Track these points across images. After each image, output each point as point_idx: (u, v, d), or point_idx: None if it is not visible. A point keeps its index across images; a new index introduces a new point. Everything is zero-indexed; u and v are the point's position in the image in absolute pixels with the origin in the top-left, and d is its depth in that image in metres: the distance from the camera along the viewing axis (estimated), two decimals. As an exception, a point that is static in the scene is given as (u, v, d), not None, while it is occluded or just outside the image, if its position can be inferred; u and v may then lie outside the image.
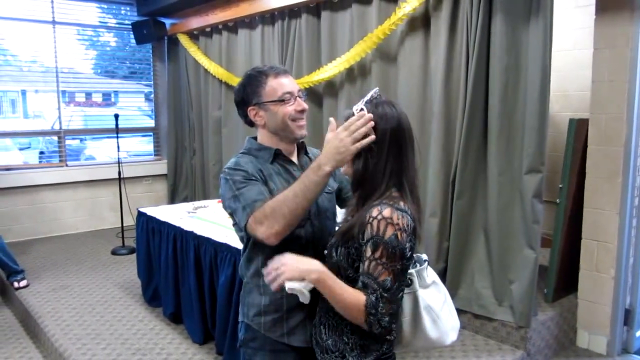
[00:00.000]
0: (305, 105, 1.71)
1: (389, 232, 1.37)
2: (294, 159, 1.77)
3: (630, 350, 3.35)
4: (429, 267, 1.58)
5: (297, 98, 1.70)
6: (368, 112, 1.43)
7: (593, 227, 3.29)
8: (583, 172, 3.32)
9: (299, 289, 1.43)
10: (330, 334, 1.51)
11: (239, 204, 1.60)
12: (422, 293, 1.54)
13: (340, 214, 1.75)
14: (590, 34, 3.26)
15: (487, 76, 3.15)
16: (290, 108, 1.68)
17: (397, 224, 1.38)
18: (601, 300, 3.30)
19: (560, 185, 3.37)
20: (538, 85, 2.91)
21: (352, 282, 1.44)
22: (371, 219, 1.39)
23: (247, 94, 1.71)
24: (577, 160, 3.35)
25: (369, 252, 1.38)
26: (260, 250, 1.68)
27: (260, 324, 1.73)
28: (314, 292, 1.45)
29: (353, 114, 1.45)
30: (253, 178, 1.64)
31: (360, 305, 1.37)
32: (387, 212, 1.38)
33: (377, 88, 1.53)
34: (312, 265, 1.42)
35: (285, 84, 1.69)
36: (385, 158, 1.44)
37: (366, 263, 1.38)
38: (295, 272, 1.41)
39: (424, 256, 1.58)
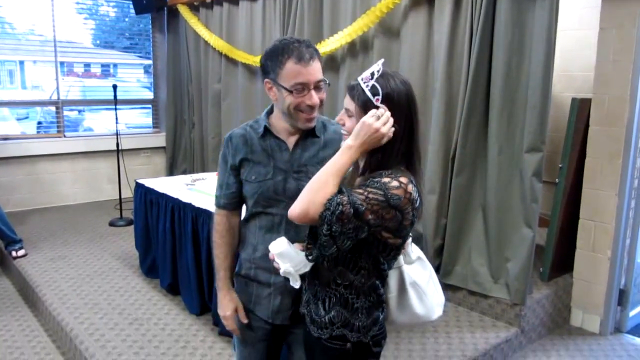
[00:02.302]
0: (317, 99, 1.57)
1: (397, 193, 1.35)
2: (292, 138, 1.68)
3: (623, 329, 3.39)
4: (412, 243, 1.58)
5: (312, 90, 1.56)
6: (378, 92, 1.39)
7: (591, 207, 3.30)
8: (583, 152, 3.31)
9: (294, 272, 1.47)
10: (331, 307, 1.49)
11: (217, 184, 1.80)
12: (407, 269, 1.54)
13: None
14: (597, 13, 3.22)
15: (491, 53, 3.12)
16: (298, 100, 1.56)
17: (408, 192, 1.36)
18: (596, 280, 3.33)
19: (560, 165, 3.37)
20: (541, 64, 2.88)
21: (353, 252, 1.42)
22: (385, 175, 1.38)
23: (267, 66, 1.61)
24: (578, 141, 3.34)
25: (362, 187, 1.36)
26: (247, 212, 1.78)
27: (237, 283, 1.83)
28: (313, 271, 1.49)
29: (359, 85, 1.42)
30: (226, 163, 1.74)
31: (329, 190, 1.34)
32: (403, 178, 1.38)
33: (383, 59, 1.49)
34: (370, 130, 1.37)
35: (302, 73, 1.54)
36: (400, 135, 1.41)
37: (356, 189, 1.36)
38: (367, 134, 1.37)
39: None
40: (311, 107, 1.58)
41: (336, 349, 1.49)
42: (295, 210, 1.36)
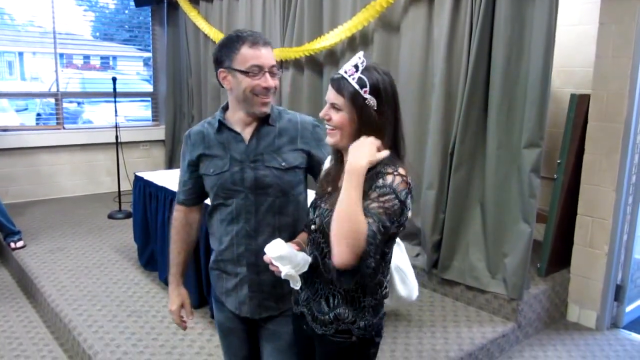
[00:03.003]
0: (272, 83, 1.62)
1: (403, 187, 1.38)
2: (248, 129, 1.68)
3: (620, 325, 3.41)
4: None
5: (267, 73, 1.61)
6: (366, 83, 1.40)
7: (589, 203, 3.31)
8: (582, 148, 3.31)
9: (294, 274, 1.44)
10: (336, 304, 1.48)
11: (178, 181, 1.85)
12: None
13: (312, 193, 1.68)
14: (596, 8, 3.22)
15: (490, 48, 3.12)
16: (255, 82, 1.60)
17: (409, 182, 1.39)
18: (593, 275, 3.34)
19: (559, 161, 3.37)
20: (541, 59, 2.88)
21: None
22: (387, 173, 1.38)
23: (221, 55, 1.65)
24: (576, 136, 3.34)
25: (374, 195, 1.35)
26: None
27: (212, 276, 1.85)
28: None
29: (344, 78, 1.42)
30: (185, 160, 1.78)
31: (364, 227, 1.29)
32: (402, 169, 1.39)
33: (362, 52, 1.50)
34: (365, 155, 1.36)
35: (258, 55, 1.60)
36: (390, 130, 1.44)
37: (369, 202, 1.34)
38: (371, 152, 1.36)
39: None
40: (266, 90, 1.62)
41: (342, 342, 1.50)
42: (343, 260, 1.29)
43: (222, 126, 1.70)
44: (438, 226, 3.44)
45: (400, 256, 1.62)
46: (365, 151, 1.36)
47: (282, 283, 1.59)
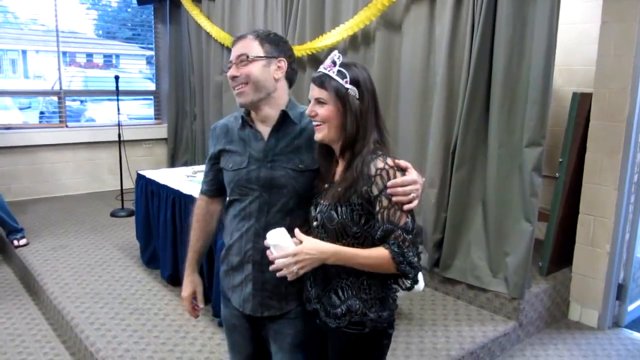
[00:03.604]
0: (234, 72, 1.64)
1: (399, 177, 1.45)
2: (266, 128, 1.70)
3: (621, 324, 3.41)
4: None
5: (232, 65, 1.65)
6: (346, 75, 1.48)
7: (591, 202, 3.30)
8: (584, 147, 3.31)
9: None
10: (345, 297, 1.53)
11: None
12: None
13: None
14: (598, 7, 3.21)
15: (492, 47, 3.11)
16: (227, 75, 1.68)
17: (400, 166, 1.47)
18: (595, 274, 3.34)
19: (560, 160, 3.37)
20: (543, 58, 2.88)
21: (357, 239, 1.49)
22: (379, 170, 1.44)
23: None
24: (578, 135, 3.34)
25: (385, 202, 1.44)
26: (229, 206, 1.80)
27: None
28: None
29: (326, 74, 1.50)
30: (209, 152, 1.83)
31: (387, 260, 1.43)
32: (390, 161, 1.46)
33: (337, 50, 1.58)
34: (323, 254, 1.46)
35: (232, 52, 1.68)
36: (372, 117, 1.52)
37: (385, 212, 1.44)
38: (314, 264, 1.47)
39: None
40: (232, 79, 1.65)
41: (355, 333, 1.53)
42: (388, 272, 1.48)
43: (245, 123, 1.73)
44: (439, 225, 3.44)
45: None
46: (312, 253, 1.46)
47: (285, 283, 1.61)
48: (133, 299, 3.38)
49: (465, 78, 3.20)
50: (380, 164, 1.45)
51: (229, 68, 1.66)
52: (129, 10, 6.69)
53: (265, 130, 1.70)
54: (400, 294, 1.62)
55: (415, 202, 1.46)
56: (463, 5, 3.23)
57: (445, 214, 3.41)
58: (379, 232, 1.45)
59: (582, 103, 3.30)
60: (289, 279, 1.50)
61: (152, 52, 6.81)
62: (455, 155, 3.29)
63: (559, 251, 3.47)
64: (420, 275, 1.67)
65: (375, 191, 1.44)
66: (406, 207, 1.44)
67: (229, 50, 5.33)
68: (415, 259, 1.45)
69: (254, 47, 1.65)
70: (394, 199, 1.43)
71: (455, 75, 3.29)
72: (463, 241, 3.38)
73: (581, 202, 3.36)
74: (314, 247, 1.46)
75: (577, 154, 3.36)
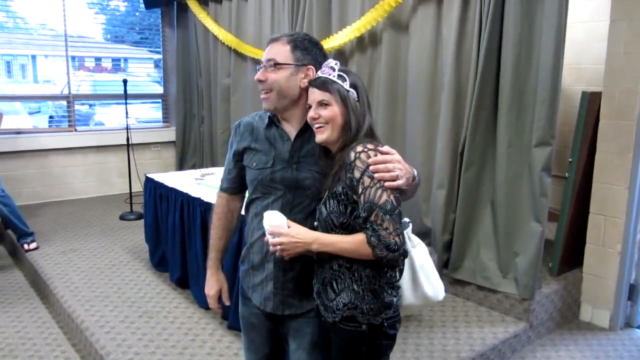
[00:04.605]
0: (261, 76, 1.66)
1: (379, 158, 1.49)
2: (293, 129, 1.70)
3: (633, 324, 3.37)
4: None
5: (262, 68, 1.67)
6: (346, 79, 1.57)
7: (601, 201, 3.28)
8: (594, 146, 3.28)
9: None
10: (339, 290, 1.55)
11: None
12: (414, 252, 1.66)
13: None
14: (608, 5, 3.19)
15: (500, 46, 3.10)
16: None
17: (381, 151, 1.51)
18: (606, 275, 3.31)
19: (570, 159, 3.34)
20: (551, 57, 2.86)
21: (346, 229, 1.52)
22: (357, 154, 1.49)
23: None
24: (588, 134, 3.31)
25: (367, 181, 1.47)
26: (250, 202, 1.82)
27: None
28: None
29: (328, 78, 1.57)
30: (231, 149, 1.83)
31: (363, 244, 1.46)
32: (370, 145, 1.51)
33: (332, 59, 1.64)
34: (306, 239, 1.53)
35: (264, 53, 1.69)
36: (367, 116, 1.59)
37: (366, 192, 1.47)
38: (298, 249, 1.54)
39: (406, 219, 1.64)
40: (259, 83, 1.67)
41: (351, 330, 1.54)
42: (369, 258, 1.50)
43: (272, 123, 1.73)
44: (448, 226, 3.42)
45: (425, 256, 1.69)
46: (297, 238, 1.54)
47: (307, 282, 1.64)
48: (142, 302, 3.39)
49: (473, 78, 3.18)
50: (359, 148, 1.50)
51: (259, 70, 1.68)
52: (137, 14, 6.73)
53: (291, 130, 1.71)
54: (416, 301, 1.64)
55: (399, 182, 1.47)
56: (470, 6, 3.21)
57: (454, 215, 3.39)
58: (361, 214, 1.47)
59: (591, 102, 3.27)
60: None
61: (160, 56, 6.84)
62: (463, 155, 3.27)
63: (569, 251, 3.44)
64: (440, 286, 1.71)
65: (357, 174, 1.48)
66: (388, 184, 1.46)
67: (236, 53, 5.35)
68: (393, 241, 1.44)
69: (284, 53, 1.65)
70: (376, 175, 1.46)
71: (462, 76, 3.28)
72: (472, 242, 3.36)
73: (591, 202, 3.33)
74: (299, 232, 1.54)
75: (587, 153, 3.33)
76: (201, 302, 3.30)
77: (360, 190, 1.47)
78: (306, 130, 1.68)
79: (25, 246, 4.30)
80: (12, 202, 4.38)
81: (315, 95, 1.58)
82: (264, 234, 1.68)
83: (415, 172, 1.59)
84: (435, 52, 3.47)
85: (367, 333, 1.54)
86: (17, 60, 6.55)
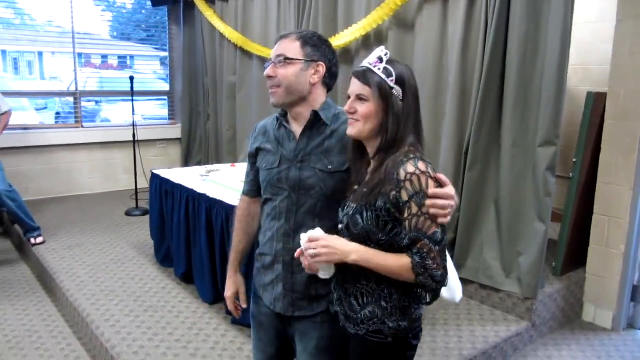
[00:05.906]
0: (270, 72, 1.64)
1: (432, 184, 1.38)
2: (298, 127, 1.69)
3: (636, 325, 3.37)
4: None
5: (271, 64, 1.65)
6: (392, 73, 1.43)
7: (605, 202, 3.28)
8: (598, 146, 3.28)
9: (331, 271, 1.50)
10: (365, 303, 1.49)
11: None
12: None
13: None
14: (614, 5, 3.19)
15: (505, 46, 3.10)
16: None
17: (434, 177, 1.39)
18: (609, 275, 3.31)
19: (575, 159, 3.35)
20: (557, 57, 2.86)
21: (382, 246, 1.43)
22: (409, 175, 1.37)
23: None
24: (592, 135, 3.31)
25: (415, 209, 1.36)
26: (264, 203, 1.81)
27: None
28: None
29: (370, 69, 1.44)
30: (248, 153, 1.84)
31: (407, 268, 1.37)
32: (422, 165, 1.38)
33: (383, 46, 1.52)
34: (346, 248, 1.43)
35: (273, 50, 1.68)
36: (412, 120, 1.46)
37: (413, 220, 1.37)
38: (334, 257, 1.43)
39: None
40: (268, 79, 1.65)
41: (376, 342, 1.49)
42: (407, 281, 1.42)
43: (280, 123, 1.74)
44: (452, 225, 3.43)
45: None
46: (337, 245, 1.43)
47: (316, 286, 1.63)
48: (147, 296, 3.41)
49: (478, 77, 3.19)
50: (410, 168, 1.37)
51: (268, 66, 1.66)
52: (144, 11, 6.76)
53: (298, 130, 1.69)
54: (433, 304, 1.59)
55: (449, 218, 1.40)
56: (476, 5, 3.22)
57: (458, 214, 3.40)
58: (405, 240, 1.38)
59: (596, 102, 3.27)
60: (306, 270, 1.52)
61: (166, 53, 6.87)
62: (468, 154, 3.28)
63: (572, 251, 3.44)
64: (459, 286, 1.63)
65: (404, 197, 1.37)
66: (440, 220, 1.37)
67: (242, 51, 5.37)
68: (439, 273, 1.36)
69: (294, 49, 1.63)
70: (431, 210, 1.36)
71: (468, 75, 3.29)
72: (476, 241, 3.37)
73: (595, 203, 3.33)
74: (340, 241, 1.44)
75: (592, 153, 3.33)
76: (205, 297, 3.32)
77: (406, 215, 1.38)
78: (312, 127, 1.67)
79: (32, 240, 4.34)
80: (19, 197, 4.41)
81: (354, 87, 1.47)
82: (273, 235, 1.69)
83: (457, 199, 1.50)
84: (440, 51, 3.48)
85: (392, 345, 1.48)
86: (24, 57, 6.58)
